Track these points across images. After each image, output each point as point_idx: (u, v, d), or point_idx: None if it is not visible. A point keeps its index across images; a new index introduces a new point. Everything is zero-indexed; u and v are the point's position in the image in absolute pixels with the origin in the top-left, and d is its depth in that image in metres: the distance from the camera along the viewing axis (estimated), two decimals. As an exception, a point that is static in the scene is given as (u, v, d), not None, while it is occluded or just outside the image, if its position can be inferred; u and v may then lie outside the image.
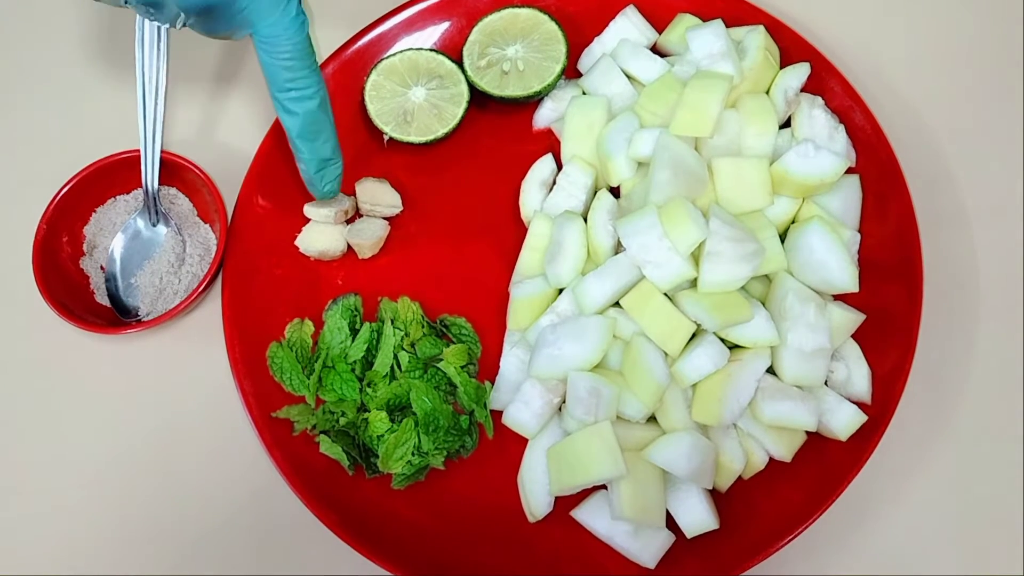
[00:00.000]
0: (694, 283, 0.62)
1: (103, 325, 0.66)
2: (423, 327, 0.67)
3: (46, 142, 0.76)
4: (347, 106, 0.72)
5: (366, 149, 0.73)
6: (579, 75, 0.73)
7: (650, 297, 0.61)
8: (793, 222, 0.66)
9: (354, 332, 0.67)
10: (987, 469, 0.66)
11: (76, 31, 0.79)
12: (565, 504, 0.63)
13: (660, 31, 0.73)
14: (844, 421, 0.61)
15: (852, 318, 0.63)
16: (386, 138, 0.71)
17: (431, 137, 0.70)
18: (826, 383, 0.63)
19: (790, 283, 0.62)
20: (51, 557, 0.66)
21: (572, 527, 0.63)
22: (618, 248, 0.65)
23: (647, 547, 0.61)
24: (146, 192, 0.69)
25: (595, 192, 0.68)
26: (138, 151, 0.68)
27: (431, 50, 0.72)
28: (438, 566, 0.62)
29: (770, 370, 0.62)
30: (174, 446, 0.68)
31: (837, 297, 0.65)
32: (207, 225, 0.71)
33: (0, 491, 0.67)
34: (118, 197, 0.71)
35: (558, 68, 0.70)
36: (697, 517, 0.60)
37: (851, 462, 0.61)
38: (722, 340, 0.61)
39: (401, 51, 0.72)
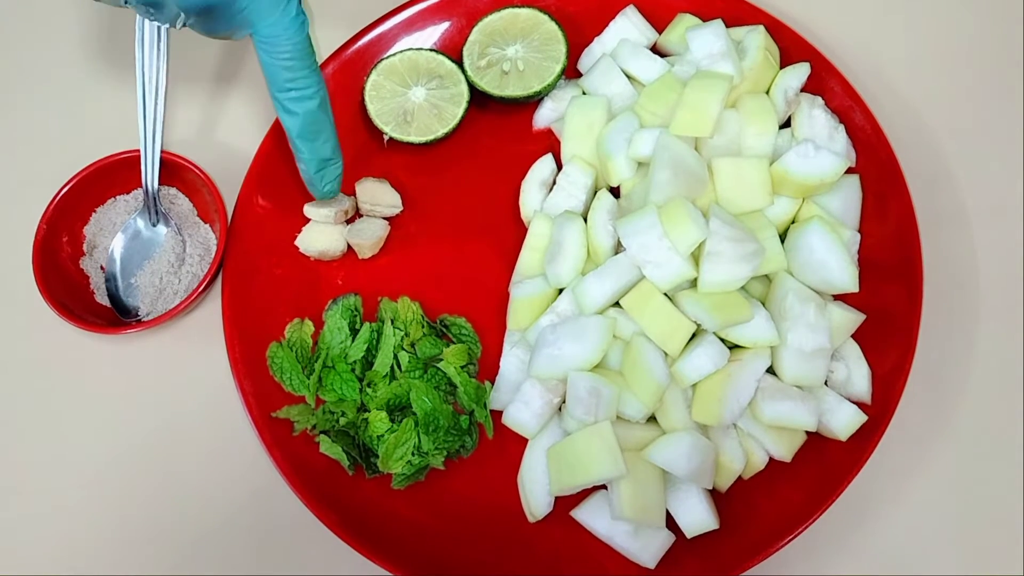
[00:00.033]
0: (694, 283, 0.62)
1: (103, 325, 0.66)
2: (423, 327, 0.67)
3: (46, 142, 0.76)
4: (347, 106, 0.72)
5: (366, 149, 0.73)
6: (579, 75, 0.73)
7: (650, 297, 0.61)
8: (793, 222, 0.66)
9: (354, 332, 0.67)
10: (987, 469, 0.66)
11: (76, 31, 0.79)
12: (565, 504, 0.63)
13: (660, 31, 0.73)
14: (844, 421, 0.61)
15: (852, 318, 0.63)
16: (386, 138, 0.71)
17: (431, 137, 0.70)
18: (826, 383, 0.63)
19: (790, 283, 0.62)
20: (51, 557, 0.66)
21: (572, 527, 0.63)
22: (618, 248, 0.65)
23: (647, 547, 0.61)
24: (146, 192, 0.69)
25: (595, 192, 0.68)
26: (138, 151, 0.68)
27: (431, 50, 0.72)
28: (438, 566, 0.62)
29: (770, 370, 0.62)
30: (174, 446, 0.68)
31: (837, 297, 0.65)
32: (207, 225, 0.71)
33: (0, 491, 0.67)
34: (118, 197, 0.71)
35: (558, 68, 0.70)
36: (697, 517, 0.60)
37: (851, 462, 0.61)
38: (722, 340, 0.61)
39: (401, 51, 0.72)
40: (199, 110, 0.76)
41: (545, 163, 0.71)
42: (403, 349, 0.66)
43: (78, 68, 0.78)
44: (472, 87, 0.71)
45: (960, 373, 0.68)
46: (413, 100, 0.71)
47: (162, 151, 0.68)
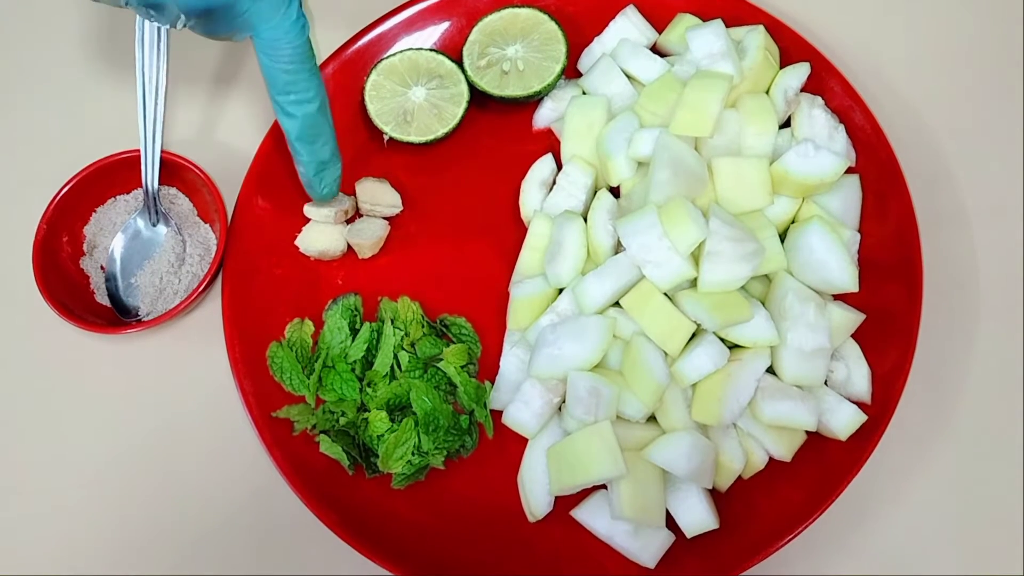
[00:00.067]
0: (694, 283, 0.62)
1: (103, 325, 0.66)
2: (423, 327, 0.67)
3: (46, 142, 0.76)
4: (347, 106, 0.72)
5: (366, 149, 0.73)
6: (579, 75, 0.73)
7: (650, 297, 0.61)
8: (793, 222, 0.66)
9: (354, 332, 0.67)
10: (987, 469, 0.66)
11: (76, 31, 0.79)
12: (565, 504, 0.63)
13: (660, 31, 0.73)
14: (844, 421, 0.61)
15: (852, 318, 0.63)
16: (386, 138, 0.71)
17: (431, 137, 0.70)
18: (826, 383, 0.63)
19: (790, 283, 0.62)
20: (51, 557, 0.66)
21: (572, 527, 0.63)
22: (618, 248, 0.65)
23: (647, 547, 0.61)
24: (146, 192, 0.69)
25: (595, 192, 0.68)
26: (138, 151, 0.68)
27: (431, 50, 0.72)
28: (438, 566, 0.62)
29: (770, 370, 0.62)
30: (174, 446, 0.68)
31: (837, 297, 0.65)
32: (207, 225, 0.71)
33: (0, 491, 0.67)
34: (118, 197, 0.71)
35: (558, 68, 0.70)
36: (697, 517, 0.60)
37: (851, 462, 0.61)
38: (722, 340, 0.61)
39: (401, 51, 0.72)
40: (199, 110, 0.76)
41: (545, 163, 0.71)
42: (403, 349, 0.66)
43: (78, 68, 0.78)
44: (472, 87, 0.71)
45: (960, 373, 0.68)
46: (413, 100, 0.71)
47: (162, 151, 0.68)
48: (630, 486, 0.59)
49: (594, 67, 0.71)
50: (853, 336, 0.64)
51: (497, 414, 0.65)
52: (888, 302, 0.64)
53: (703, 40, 0.66)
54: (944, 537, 0.65)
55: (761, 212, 0.64)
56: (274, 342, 0.67)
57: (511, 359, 0.66)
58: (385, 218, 0.71)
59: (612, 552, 0.62)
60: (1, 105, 0.77)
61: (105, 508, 0.67)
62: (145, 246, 0.70)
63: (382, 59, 0.72)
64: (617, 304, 0.63)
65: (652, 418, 0.63)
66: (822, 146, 0.63)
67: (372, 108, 0.70)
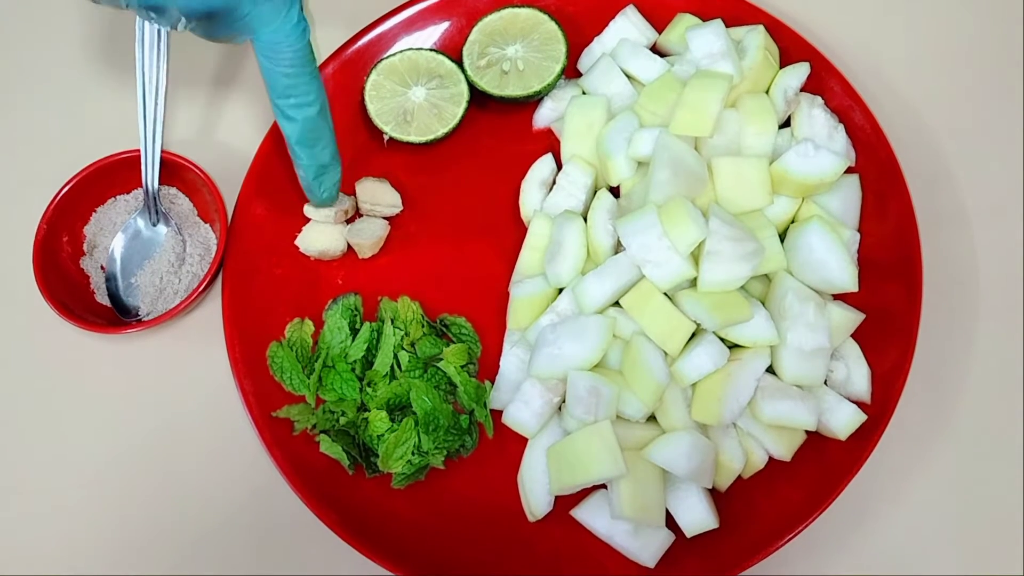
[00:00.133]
0: (694, 282, 0.62)
1: (103, 325, 0.66)
2: (423, 327, 0.67)
3: (46, 142, 0.76)
4: (347, 106, 0.72)
5: (366, 149, 0.73)
6: (579, 75, 0.73)
7: (650, 296, 0.61)
8: (793, 221, 0.66)
9: (354, 332, 0.67)
10: (987, 468, 0.66)
11: (76, 31, 0.79)
12: (565, 503, 0.63)
13: (660, 31, 0.73)
14: (844, 420, 0.61)
15: (851, 317, 0.63)
16: (386, 138, 0.71)
17: (431, 137, 0.70)
18: (826, 382, 0.63)
19: (790, 282, 0.62)
20: (51, 557, 0.66)
21: (572, 526, 0.63)
22: (618, 248, 0.65)
23: (647, 546, 0.61)
24: (146, 192, 0.69)
25: (595, 192, 0.68)
26: (138, 151, 0.68)
27: (431, 50, 0.72)
28: (438, 565, 0.62)
29: (770, 369, 0.62)
30: (174, 446, 0.68)
31: (837, 296, 0.65)
32: (207, 225, 0.71)
33: (0, 491, 0.67)
34: (118, 197, 0.71)
35: (558, 68, 0.70)
36: (697, 516, 0.60)
37: (851, 461, 0.61)
38: (722, 339, 0.61)
39: (401, 51, 0.72)
40: (199, 110, 0.76)
41: (545, 163, 0.71)
42: (403, 349, 0.66)
43: (78, 68, 0.78)
44: (472, 87, 0.71)
45: (960, 372, 0.68)
46: (413, 100, 0.71)
47: (162, 151, 0.68)
48: (630, 486, 0.59)
49: (594, 67, 0.71)
50: (853, 336, 0.64)
51: (497, 414, 0.65)
52: (888, 302, 0.64)
53: (703, 40, 0.66)
54: (944, 537, 0.65)
55: (761, 212, 0.64)
56: (274, 342, 0.67)
57: (511, 359, 0.66)
58: (385, 218, 0.71)
59: (612, 552, 0.62)
60: (1, 105, 0.77)
61: (105, 508, 0.67)
62: (145, 246, 0.70)
63: (382, 59, 0.72)
64: (617, 304, 0.63)
65: (652, 418, 0.63)
66: (822, 146, 0.63)
67: (372, 108, 0.70)
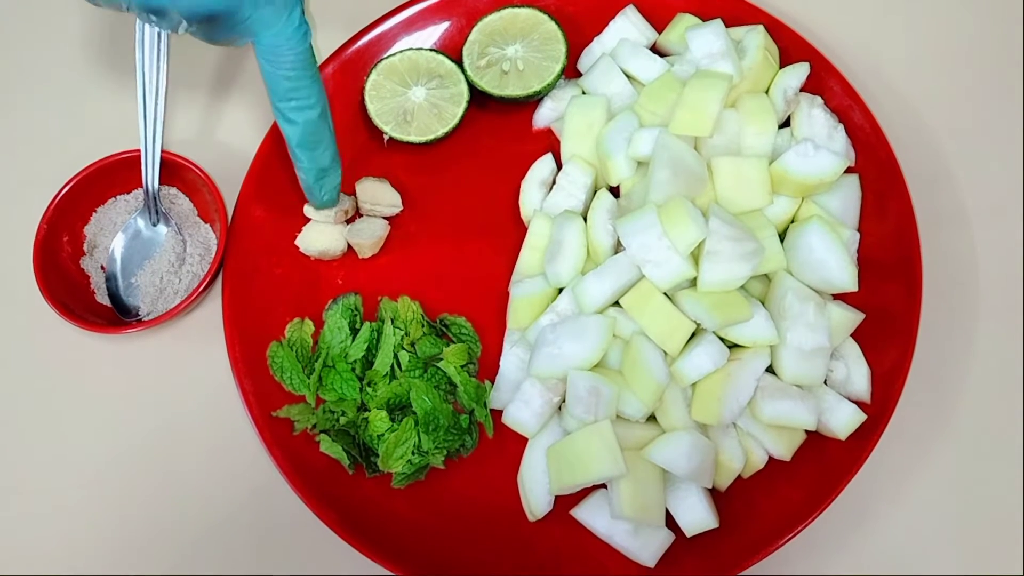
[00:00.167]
0: (694, 282, 0.62)
1: (103, 325, 0.66)
2: (423, 326, 0.67)
3: (46, 142, 0.76)
4: (347, 106, 0.72)
5: (366, 149, 0.73)
6: (579, 75, 0.73)
7: (650, 296, 0.61)
8: (792, 221, 0.66)
9: (354, 331, 0.67)
10: (987, 468, 0.66)
11: (76, 31, 0.79)
12: (565, 503, 0.63)
13: (660, 31, 0.73)
14: (843, 420, 0.61)
15: (851, 317, 0.63)
16: (386, 138, 0.71)
17: (431, 137, 0.70)
18: (825, 382, 0.63)
19: (789, 282, 0.62)
20: (51, 557, 0.66)
21: (572, 526, 0.63)
22: (618, 247, 0.65)
23: (647, 546, 0.61)
24: (146, 192, 0.69)
25: (595, 191, 0.68)
26: (138, 151, 0.68)
27: (431, 50, 0.72)
28: (438, 565, 0.62)
29: (769, 369, 0.62)
30: (174, 446, 0.68)
31: (836, 296, 0.65)
32: (207, 225, 0.71)
33: (0, 491, 0.67)
34: (118, 197, 0.71)
35: (558, 68, 0.70)
36: (697, 516, 0.60)
37: (850, 461, 0.61)
38: (721, 339, 0.61)
39: (401, 51, 0.72)
40: (199, 110, 0.76)
41: (545, 163, 0.71)
42: (403, 348, 0.66)
43: (78, 68, 0.78)
44: (472, 87, 0.71)
45: (959, 372, 0.68)
46: (413, 100, 0.71)
47: (162, 151, 0.68)
48: (630, 485, 0.59)
49: (594, 67, 0.71)
50: (852, 335, 0.64)
51: (497, 413, 0.65)
52: (887, 301, 0.64)
53: (703, 40, 0.66)
54: (944, 537, 0.65)
55: (760, 212, 0.64)
56: (274, 342, 0.67)
57: (511, 358, 0.66)
58: (385, 218, 0.71)
59: (612, 551, 0.62)
60: (1, 105, 0.77)
61: (105, 508, 0.67)
62: (145, 246, 0.70)
63: (382, 59, 0.72)
64: (617, 304, 0.63)
65: (652, 417, 0.63)
66: (821, 146, 0.63)
67: (372, 108, 0.71)
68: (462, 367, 0.66)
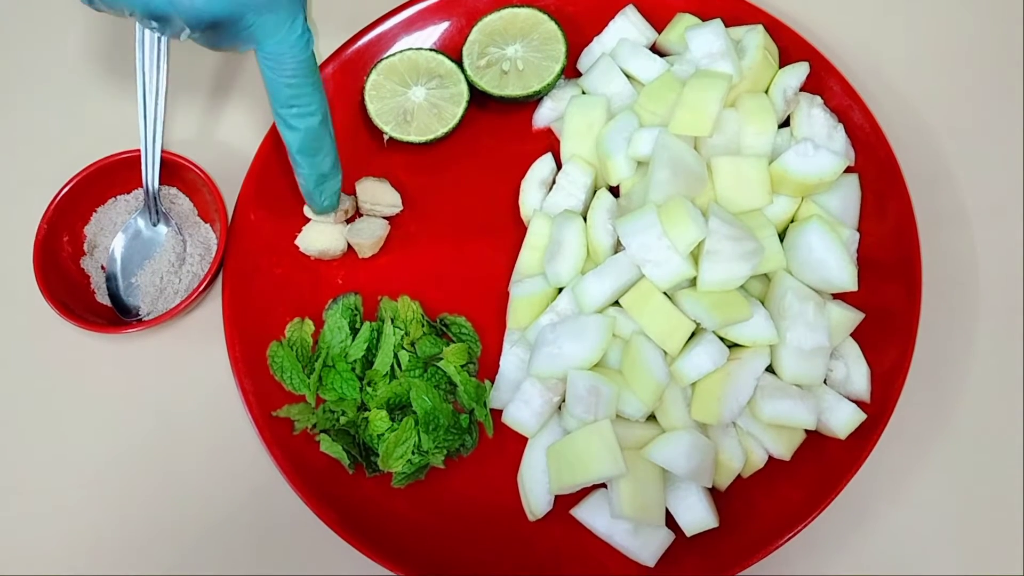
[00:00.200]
0: (693, 282, 0.62)
1: (103, 325, 0.66)
2: (423, 326, 0.67)
3: (46, 142, 0.76)
4: (347, 106, 0.72)
5: (366, 149, 0.73)
6: (579, 75, 0.73)
7: (649, 296, 0.61)
8: (792, 221, 0.66)
9: (354, 331, 0.67)
10: (987, 468, 0.66)
11: (77, 31, 0.79)
12: (565, 502, 0.63)
13: (660, 31, 0.73)
14: (843, 420, 0.61)
15: (851, 317, 0.63)
16: (386, 138, 0.71)
17: (431, 137, 0.70)
18: (825, 382, 0.63)
19: (789, 282, 0.62)
20: (51, 557, 0.66)
21: (572, 525, 0.63)
22: (618, 247, 0.65)
23: (647, 545, 0.61)
24: (147, 192, 0.69)
25: (595, 191, 0.68)
26: (138, 151, 0.68)
27: (431, 50, 0.72)
28: (438, 565, 0.62)
29: (769, 369, 0.62)
30: (174, 446, 0.68)
31: (836, 296, 0.65)
32: (207, 225, 0.71)
33: (0, 491, 0.67)
34: (119, 197, 0.71)
35: (558, 68, 0.70)
36: (696, 515, 0.60)
37: (850, 461, 0.61)
38: (721, 339, 0.61)
39: (401, 51, 0.72)
40: (199, 110, 0.76)
41: (545, 162, 0.71)
42: (403, 348, 0.66)
43: (78, 68, 0.78)
44: (472, 87, 0.71)
45: (959, 372, 0.68)
46: (413, 100, 0.71)
47: (162, 151, 0.68)
48: (630, 485, 0.59)
49: (594, 67, 0.71)
50: (852, 335, 0.64)
51: (497, 413, 0.65)
52: (887, 301, 0.64)
53: (702, 40, 0.66)
54: (944, 537, 0.65)
55: (760, 211, 0.64)
56: (274, 341, 0.67)
57: (511, 358, 0.66)
58: (385, 218, 0.71)
59: (612, 551, 0.62)
60: (1, 105, 0.77)
61: (105, 508, 0.67)
62: (145, 246, 0.70)
63: (382, 59, 0.72)
64: (617, 303, 0.63)
65: (652, 417, 0.63)
66: (821, 145, 0.63)
67: (372, 108, 0.71)
68: (462, 367, 0.66)
